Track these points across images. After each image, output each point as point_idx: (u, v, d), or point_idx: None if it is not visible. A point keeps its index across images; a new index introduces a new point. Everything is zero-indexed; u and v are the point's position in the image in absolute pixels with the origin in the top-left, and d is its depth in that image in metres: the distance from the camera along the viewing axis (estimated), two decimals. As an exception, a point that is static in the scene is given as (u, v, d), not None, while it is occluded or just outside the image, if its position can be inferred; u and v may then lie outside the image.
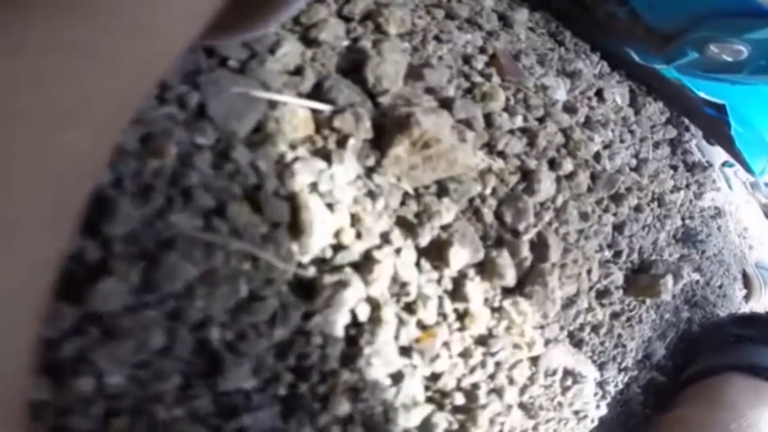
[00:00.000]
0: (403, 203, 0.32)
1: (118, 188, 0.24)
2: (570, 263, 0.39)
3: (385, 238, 0.30)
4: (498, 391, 0.36)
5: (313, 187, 0.29)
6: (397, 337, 0.31)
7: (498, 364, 0.36)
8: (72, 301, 0.22)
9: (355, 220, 0.30)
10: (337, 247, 0.29)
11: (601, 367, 0.51)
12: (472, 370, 0.35)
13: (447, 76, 0.38)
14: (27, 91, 0.16)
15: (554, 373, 0.41)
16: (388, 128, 0.32)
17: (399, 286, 0.30)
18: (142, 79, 0.20)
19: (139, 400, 0.25)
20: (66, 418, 0.24)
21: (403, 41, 0.39)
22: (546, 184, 0.38)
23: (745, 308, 0.73)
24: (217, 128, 0.28)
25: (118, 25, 0.18)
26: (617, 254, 0.47)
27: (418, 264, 0.32)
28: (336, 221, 0.29)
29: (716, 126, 0.62)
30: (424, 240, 0.32)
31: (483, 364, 0.35)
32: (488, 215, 0.35)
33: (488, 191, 0.36)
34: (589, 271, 0.42)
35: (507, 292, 0.35)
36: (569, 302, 0.42)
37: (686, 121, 0.66)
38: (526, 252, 0.35)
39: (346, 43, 0.37)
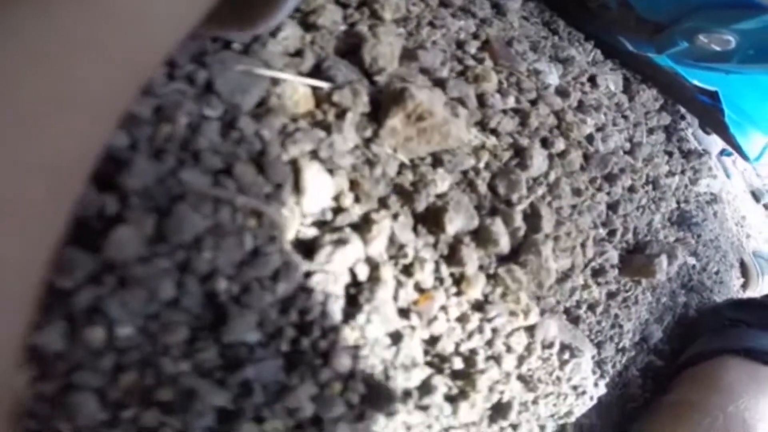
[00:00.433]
0: (399, 172, 0.34)
1: (133, 149, 0.26)
2: (563, 236, 0.41)
3: (383, 202, 0.32)
4: (496, 359, 0.38)
5: (314, 154, 0.31)
6: (395, 298, 0.32)
7: (495, 331, 0.37)
8: (89, 249, 0.24)
9: (354, 185, 0.31)
10: (337, 210, 0.31)
11: (599, 345, 0.52)
12: (470, 336, 0.36)
13: (440, 58, 0.40)
14: (21, 76, 0.16)
15: (551, 345, 0.43)
16: (384, 102, 0.34)
17: (396, 248, 0.32)
18: (137, 67, 0.21)
19: (147, 354, 0.27)
20: (76, 373, 0.25)
21: (398, 26, 0.41)
22: (538, 160, 0.40)
23: (743, 296, 0.74)
24: (224, 102, 0.30)
25: (111, 15, 0.18)
26: (612, 233, 0.49)
27: (414, 229, 0.33)
28: (336, 185, 0.30)
29: (711, 113, 0.63)
30: (421, 206, 0.33)
31: (480, 330, 0.36)
32: (482, 186, 0.37)
33: (482, 165, 0.38)
34: (583, 246, 0.43)
35: (502, 260, 0.37)
36: (564, 276, 0.43)
37: (682, 109, 0.67)
38: (519, 221, 0.37)
39: (343, 27, 0.39)
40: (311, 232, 0.30)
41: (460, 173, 0.37)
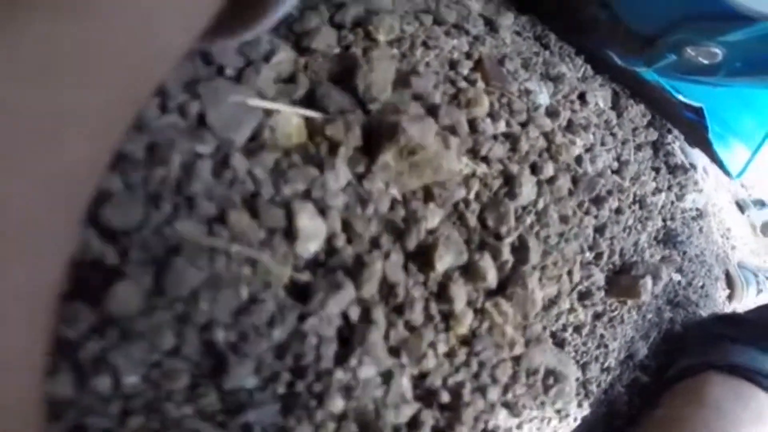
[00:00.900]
0: (391, 208, 0.36)
1: (129, 195, 0.27)
2: (550, 265, 0.43)
3: (375, 242, 0.34)
4: (481, 390, 0.40)
5: (307, 193, 0.32)
6: (386, 338, 0.34)
7: (481, 364, 0.40)
8: (90, 302, 0.25)
9: (346, 225, 0.33)
10: (330, 252, 0.33)
11: (584, 367, 0.55)
12: (457, 369, 0.39)
13: (433, 81, 0.42)
14: (21, 93, 0.17)
15: (536, 372, 0.45)
16: (376, 136, 0.35)
17: (388, 288, 0.34)
18: (139, 84, 0.21)
19: (152, 399, 0.28)
20: (86, 417, 0.27)
21: (392, 48, 0.43)
22: (527, 188, 0.42)
23: (728, 308, 0.78)
24: (217, 137, 0.31)
25: (115, 28, 0.19)
26: (598, 256, 0.51)
27: (405, 267, 0.35)
28: (328, 226, 0.32)
29: (695, 129, 0.66)
30: (412, 243, 0.35)
31: (467, 363, 0.39)
32: (472, 219, 0.39)
33: (472, 196, 0.40)
34: (569, 273, 0.46)
35: (489, 293, 0.39)
36: (551, 303, 0.46)
37: (668, 123, 0.70)
38: (507, 255, 0.39)
39: (337, 50, 0.40)
40: (305, 277, 0.32)
41: (451, 206, 0.39)
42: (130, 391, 0.27)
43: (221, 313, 0.28)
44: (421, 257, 0.36)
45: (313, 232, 0.31)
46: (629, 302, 0.56)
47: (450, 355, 0.38)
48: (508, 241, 0.40)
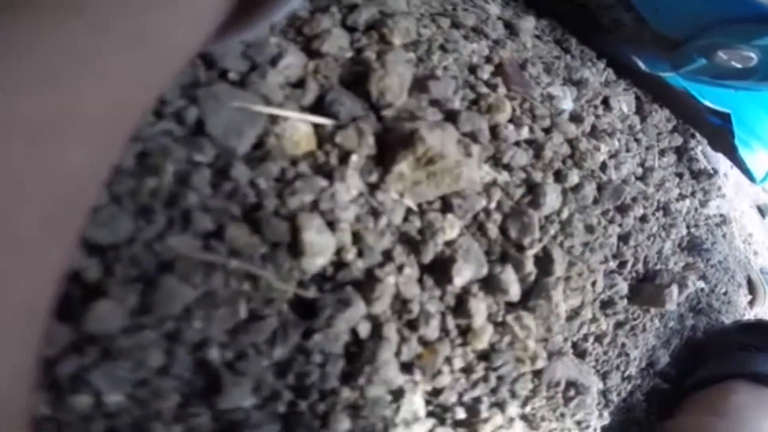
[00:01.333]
0: (406, 219, 0.31)
1: (116, 208, 0.23)
2: (575, 276, 0.38)
3: (388, 255, 0.30)
4: (500, 405, 0.36)
5: (314, 205, 0.28)
6: (398, 354, 0.30)
7: (500, 378, 0.35)
8: (68, 321, 0.22)
9: (356, 238, 0.29)
10: (339, 265, 0.28)
11: (605, 376, 0.50)
12: (474, 385, 0.34)
13: (452, 87, 0.37)
14: (19, 100, 0.15)
15: (557, 384, 0.40)
16: (391, 144, 0.31)
17: (401, 303, 0.30)
18: (141, 92, 0.19)
19: (139, 419, 0.24)
20: None
21: (408, 51, 0.38)
22: (551, 197, 0.37)
23: (750, 314, 0.72)
24: (216, 145, 0.27)
25: (114, 33, 0.17)
26: (622, 264, 0.46)
27: (420, 281, 0.31)
28: (337, 240, 0.28)
29: (720, 134, 0.61)
30: (428, 257, 0.31)
31: (485, 379, 0.34)
32: (493, 230, 0.34)
33: (493, 205, 0.35)
34: (593, 283, 0.41)
35: (510, 306, 0.34)
36: (573, 314, 0.41)
37: (692, 128, 0.64)
38: (530, 267, 0.35)
39: (349, 54, 0.36)
40: (311, 292, 0.27)
41: (471, 217, 0.34)
42: (113, 410, 0.23)
43: (216, 331, 0.24)
44: (438, 270, 0.31)
45: (320, 246, 0.27)
46: (652, 310, 0.51)
47: (467, 370, 0.33)
48: (531, 252, 0.35)
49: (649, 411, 0.58)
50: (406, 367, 0.31)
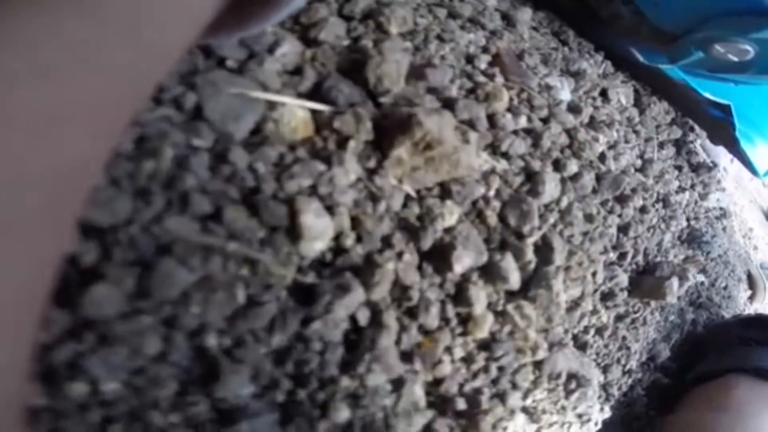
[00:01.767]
0: (405, 206, 0.31)
1: (114, 190, 0.23)
2: (575, 266, 0.38)
3: (387, 241, 0.30)
4: (501, 396, 0.36)
5: (313, 189, 0.28)
6: (398, 343, 0.30)
7: (501, 369, 0.35)
8: (64, 306, 0.21)
9: (355, 223, 0.29)
10: (337, 251, 0.28)
11: (605, 369, 0.50)
12: (475, 375, 0.34)
13: (449, 75, 0.37)
14: (18, 91, 0.15)
15: (558, 376, 0.40)
16: (389, 129, 0.31)
17: (400, 290, 0.30)
18: (140, 81, 0.19)
19: (135, 407, 0.24)
20: (62, 424, 0.23)
21: (405, 41, 0.38)
22: (550, 186, 0.37)
23: (750, 309, 0.72)
24: (214, 130, 0.27)
25: (114, 24, 0.17)
26: (622, 256, 0.46)
27: (420, 268, 0.31)
28: (336, 224, 0.28)
29: (721, 127, 0.61)
30: (427, 243, 0.31)
31: (486, 369, 0.34)
32: (492, 218, 0.34)
33: (492, 193, 0.35)
34: (593, 274, 0.41)
35: (511, 295, 0.34)
36: (574, 305, 0.41)
37: (691, 121, 0.65)
38: (530, 255, 0.35)
39: (346, 42, 0.36)
40: (310, 277, 0.27)
41: (470, 204, 0.34)
42: (110, 398, 0.23)
43: (214, 317, 0.24)
44: (438, 257, 0.31)
45: (318, 230, 0.27)
46: (653, 303, 0.51)
47: (467, 360, 0.33)
48: (530, 240, 0.35)
49: (650, 406, 0.58)
50: (406, 356, 0.31)
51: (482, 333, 0.33)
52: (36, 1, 0.16)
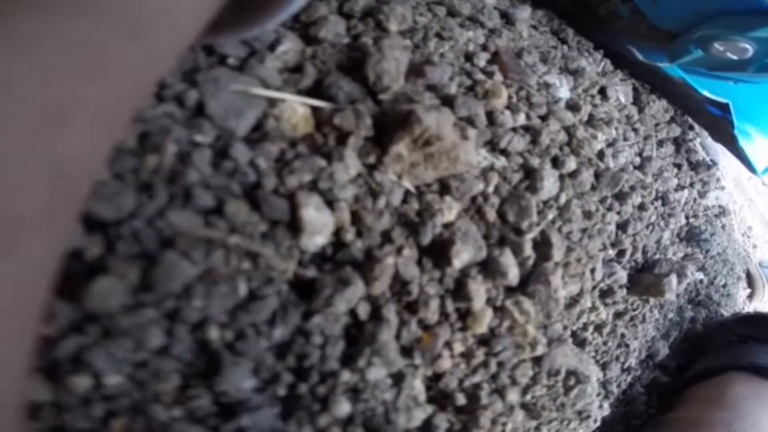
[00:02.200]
0: (404, 201, 0.32)
1: (117, 185, 0.23)
2: (573, 262, 0.38)
3: (387, 236, 0.30)
4: (500, 392, 0.36)
5: (313, 184, 0.28)
6: (398, 337, 0.30)
7: (500, 365, 0.35)
8: (69, 299, 0.22)
9: (355, 218, 0.29)
10: (338, 246, 0.29)
11: (605, 366, 0.50)
12: (474, 371, 0.34)
13: (449, 73, 0.38)
14: (17, 88, 0.16)
15: (557, 373, 0.41)
16: (388, 126, 0.31)
17: (400, 285, 0.30)
18: (140, 80, 0.20)
19: (138, 401, 0.25)
20: (65, 418, 0.23)
21: (404, 38, 0.39)
22: (549, 182, 0.38)
23: (749, 308, 0.72)
24: (216, 126, 0.28)
25: (114, 23, 0.17)
26: (621, 253, 0.47)
27: (419, 263, 0.31)
28: (336, 219, 0.28)
29: (719, 125, 0.61)
30: (426, 238, 0.31)
31: (485, 365, 0.35)
32: (491, 213, 0.34)
33: (491, 189, 0.35)
34: (592, 270, 0.41)
35: (510, 291, 0.35)
36: (572, 301, 0.41)
37: (690, 119, 0.65)
38: (529, 251, 0.35)
39: (346, 40, 0.36)
40: (310, 272, 0.28)
41: (469, 200, 0.34)
42: (113, 392, 0.23)
43: (216, 310, 0.24)
44: (437, 253, 0.32)
45: (319, 224, 0.27)
46: (651, 300, 0.52)
47: (467, 355, 0.34)
48: (529, 236, 0.35)
49: (649, 404, 0.58)
50: (406, 351, 0.31)
51: (481, 328, 0.33)
52: (41, 3, 0.16)
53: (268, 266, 0.26)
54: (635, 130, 0.52)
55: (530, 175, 0.38)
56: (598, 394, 0.49)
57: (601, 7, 0.56)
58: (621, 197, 0.46)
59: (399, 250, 0.30)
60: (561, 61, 0.49)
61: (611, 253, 0.46)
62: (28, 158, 0.16)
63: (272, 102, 0.30)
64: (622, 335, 0.51)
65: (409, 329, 0.30)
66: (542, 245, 0.36)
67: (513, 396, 0.37)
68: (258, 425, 0.27)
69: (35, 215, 0.16)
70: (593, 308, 0.46)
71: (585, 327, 0.46)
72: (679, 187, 0.57)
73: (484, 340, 0.34)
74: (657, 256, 0.51)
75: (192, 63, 0.29)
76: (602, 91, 0.51)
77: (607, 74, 0.54)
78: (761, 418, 0.53)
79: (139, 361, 0.24)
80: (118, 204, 0.22)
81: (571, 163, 0.41)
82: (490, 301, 0.34)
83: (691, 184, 0.60)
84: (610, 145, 0.47)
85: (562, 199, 0.39)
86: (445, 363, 0.33)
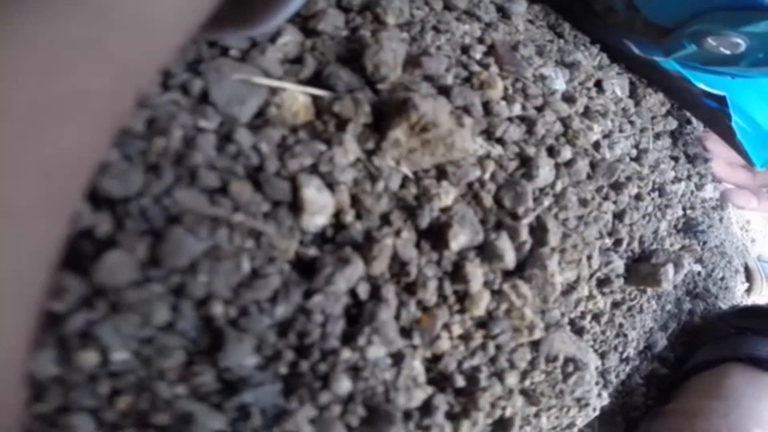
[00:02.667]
0: (402, 186, 0.33)
1: (127, 165, 0.24)
2: (569, 248, 0.39)
3: (385, 219, 0.31)
4: (499, 375, 0.37)
5: (314, 168, 0.29)
6: (397, 318, 0.31)
7: (498, 348, 0.36)
8: (80, 274, 0.23)
9: (355, 200, 0.30)
10: (338, 227, 0.30)
11: (603, 355, 0.51)
12: (473, 353, 0.35)
13: (445, 64, 0.39)
14: (18, 82, 0.16)
15: (555, 359, 0.42)
16: (386, 112, 0.32)
17: (399, 266, 0.31)
18: (137, 73, 0.20)
19: (143, 378, 0.26)
20: (71, 396, 0.24)
21: (402, 31, 0.40)
22: (545, 170, 0.39)
23: (747, 301, 0.73)
24: (220, 113, 0.29)
25: (110, 18, 0.18)
26: (618, 242, 0.48)
27: (418, 245, 0.32)
28: (336, 201, 0.29)
29: (717, 118, 0.62)
30: (424, 221, 0.32)
31: (483, 347, 0.36)
32: (487, 199, 0.36)
33: (487, 176, 0.36)
34: (589, 258, 0.42)
35: (507, 275, 0.36)
36: (570, 288, 0.42)
37: (688, 113, 0.66)
38: (525, 235, 0.36)
39: (345, 32, 0.38)
40: (311, 252, 0.29)
41: (465, 185, 0.35)
42: (119, 368, 0.24)
43: (221, 287, 0.25)
44: (435, 235, 0.33)
45: (320, 205, 0.28)
46: (649, 291, 0.53)
47: (465, 337, 0.35)
48: (525, 221, 0.36)
49: (648, 395, 0.59)
50: (405, 332, 0.32)
51: (479, 310, 0.34)
52: None
53: (270, 245, 0.27)
54: (631, 123, 0.53)
55: (526, 163, 0.39)
56: (597, 383, 0.50)
57: (597, 2, 0.57)
58: (617, 187, 0.47)
59: (397, 233, 0.31)
60: (557, 54, 0.50)
61: (608, 242, 0.47)
62: (27, 150, 0.16)
63: (274, 91, 0.31)
64: (620, 325, 0.52)
65: (408, 310, 0.31)
66: (538, 230, 0.37)
67: (512, 379, 0.38)
68: (260, 402, 0.28)
69: (33, 205, 0.17)
70: (590, 297, 0.47)
71: (583, 315, 0.47)
72: (676, 179, 0.58)
73: (482, 323, 0.35)
74: (654, 246, 0.52)
75: (196, 54, 0.31)
76: (598, 84, 0.52)
77: (603, 68, 0.56)
78: (759, 408, 0.53)
79: (145, 337, 0.25)
80: (127, 182, 0.24)
81: (567, 153, 0.42)
82: (487, 284, 0.35)
83: (689, 177, 0.61)
84: (606, 136, 0.49)
85: (558, 187, 0.40)
86: (444, 344, 0.34)
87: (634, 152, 0.52)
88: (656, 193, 0.53)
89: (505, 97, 0.41)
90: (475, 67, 0.41)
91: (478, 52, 0.43)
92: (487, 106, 0.39)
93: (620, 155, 0.49)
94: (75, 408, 0.25)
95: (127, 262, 0.23)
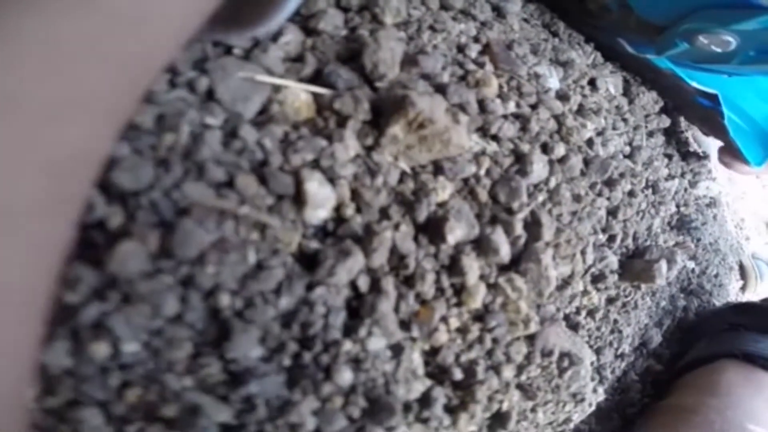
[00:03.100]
0: (400, 181, 0.35)
1: (137, 159, 0.26)
2: (563, 243, 0.41)
3: (384, 213, 0.33)
4: (495, 368, 0.39)
5: (315, 163, 0.31)
6: (396, 310, 0.33)
7: (495, 341, 0.38)
8: (92, 264, 0.25)
9: (355, 195, 0.32)
10: (339, 221, 0.32)
11: (598, 351, 0.53)
12: (470, 346, 0.37)
13: (441, 63, 0.41)
14: (20, 82, 0.17)
15: (551, 353, 0.43)
16: (384, 109, 0.34)
17: (398, 259, 0.33)
18: (139, 72, 0.21)
19: (152, 370, 0.27)
20: (82, 389, 0.26)
21: (399, 30, 0.42)
22: (539, 167, 0.41)
23: (742, 299, 0.75)
24: (225, 110, 0.31)
25: (113, 18, 0.19)
26: (611, 238, 0.50)
27: (416, 239, 0.34)
28: (337, 195, 0.31)
29: (710, 116, 0.64)
30: (422, 215, 0.34)
31: (480, 340, 0.37)
32: (483, 194, 0.37)
33: (482, 172, 0.38)
34: (583, 253, 0.44)
35: (502, 269, 0.38)
36: (564, 284, 0.44)
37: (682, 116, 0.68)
38: (519, 230, 0.38)
39: (344, 32, 0.39)
40: (313, 244, 0.30)
41: (461, 181, 0.37)
42: (129, 360, 0.26)
43: (228, 278, 0.27)
44: (432, 229, 0.35)
45: (321, 198, 0.30)
46: (643, 287, 0.54)
47: (463, 330, 0.37)
48: (520, 216, 0.38)
49: (644, 392, 0.61)
50: (404, 324, 0.34)
51: (476, 303, 0.36)
52: None
53: (274, 237, 0.29)
54: (625, 120, 0.55)
55: (520, 159, 0.41)
56: (593, 378, 0.52)
57: (591, 1, 0.59)
58: (610, 183, 0.49)
59: (396, 226, 0.33)
60: (551, 53, 0.52)
61: (602, 237, 0.49)
62: (31, 150, 0.17)
63: (276, 88, 0.33)
64: (615, 321, 0.53)
65: (406, 302, 0.33)
66: (533, 225, 0.39)
67: (508, 373, 0.39)
68: (265, 393, 0.30)
69: (38, 204, 0.18)
70: (585, 292, 0.48)
71: (578, 311, 0.49)
72: (670, 177, 0.60)
73: (479, 316, 0.37)
74: (648, 243, 0.54)
75: (201, 53, 0.32)
76: (592, 82, 0.54)
77: (597, 66, 0.58)
78: (753, 404, 0.55)
79: (155, 329, 0.27)
80: (138, 175, 0.25)
81: (561, 150, 0.44)
82: (483, 278, 0.37)
83: (682, 174, 0.63)
84: (599, 133, 0.50)
85: (552, 183, 0.42)
86: (442, 337, 0.35)
87: (627, 149, 0.54)
88: (650, 190, 0.55)
89: (500, 95, 0.43)
90: (471, 66, 0.43)
91: (473, 51, 0.45)
92: (482, 104, 0.41)
93: (613, 152, 0.51)
94: (85, 401, 0.26)
95: (139, 252, 0.25)
